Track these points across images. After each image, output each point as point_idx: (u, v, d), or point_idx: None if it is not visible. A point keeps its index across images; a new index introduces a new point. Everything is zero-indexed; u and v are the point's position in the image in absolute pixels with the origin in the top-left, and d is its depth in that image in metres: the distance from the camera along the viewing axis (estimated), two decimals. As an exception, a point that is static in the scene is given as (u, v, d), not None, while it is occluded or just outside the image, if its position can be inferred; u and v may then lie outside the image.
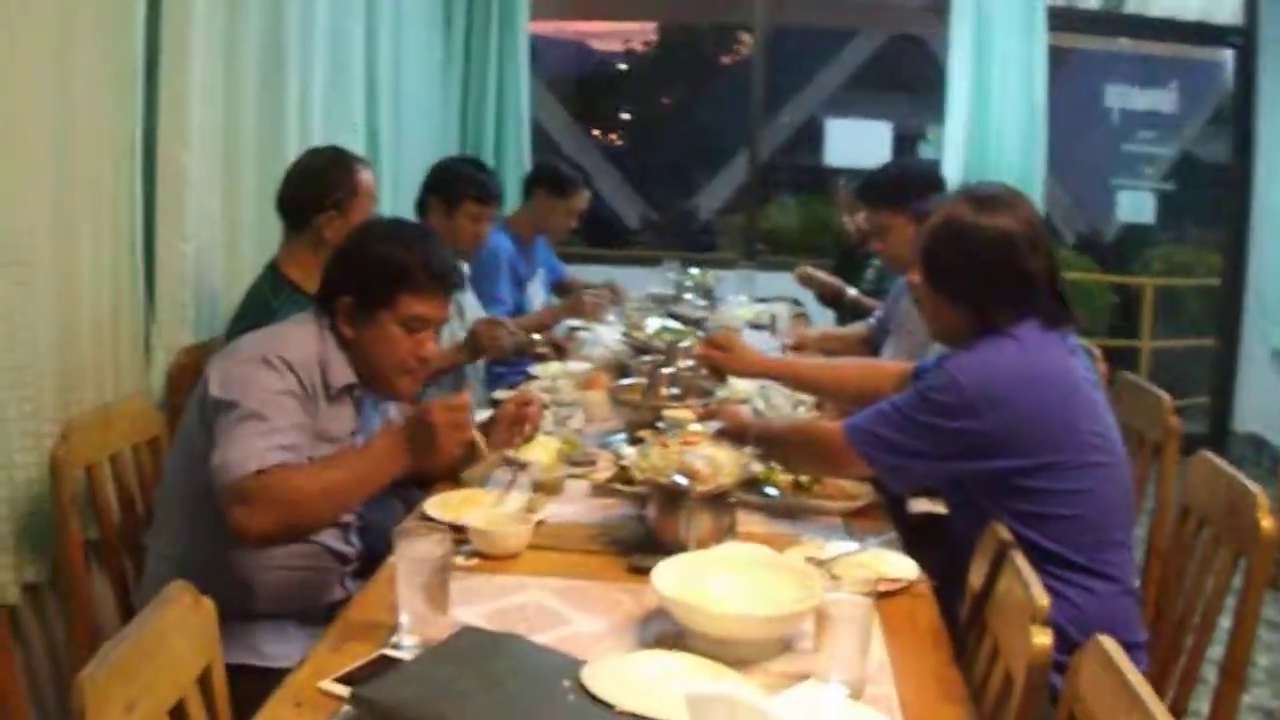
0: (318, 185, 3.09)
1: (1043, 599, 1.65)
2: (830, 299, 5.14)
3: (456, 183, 4.04)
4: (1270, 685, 3.89)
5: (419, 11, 5.64)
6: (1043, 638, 1.60)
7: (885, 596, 2.10)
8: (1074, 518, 2.21)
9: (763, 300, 5.64)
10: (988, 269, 2.28)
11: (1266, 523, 2.09)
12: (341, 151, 3.29)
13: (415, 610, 1.82)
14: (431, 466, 2.27)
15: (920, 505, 2.98)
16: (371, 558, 2.55)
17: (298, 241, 3.06)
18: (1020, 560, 1.81)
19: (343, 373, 2.34)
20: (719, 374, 3.11)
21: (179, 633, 1.51)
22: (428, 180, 4.13)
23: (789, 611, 1.85)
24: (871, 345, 4.01)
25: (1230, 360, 6.92)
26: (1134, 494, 2.40)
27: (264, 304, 2.92)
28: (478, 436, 2.30)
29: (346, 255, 2.42)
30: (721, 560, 2.05)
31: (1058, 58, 6.53)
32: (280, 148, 3.68)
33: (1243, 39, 6.75)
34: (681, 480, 2.23)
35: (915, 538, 2.48)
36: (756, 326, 5.17)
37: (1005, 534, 1.95)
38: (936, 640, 1.97)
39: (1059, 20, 6.48)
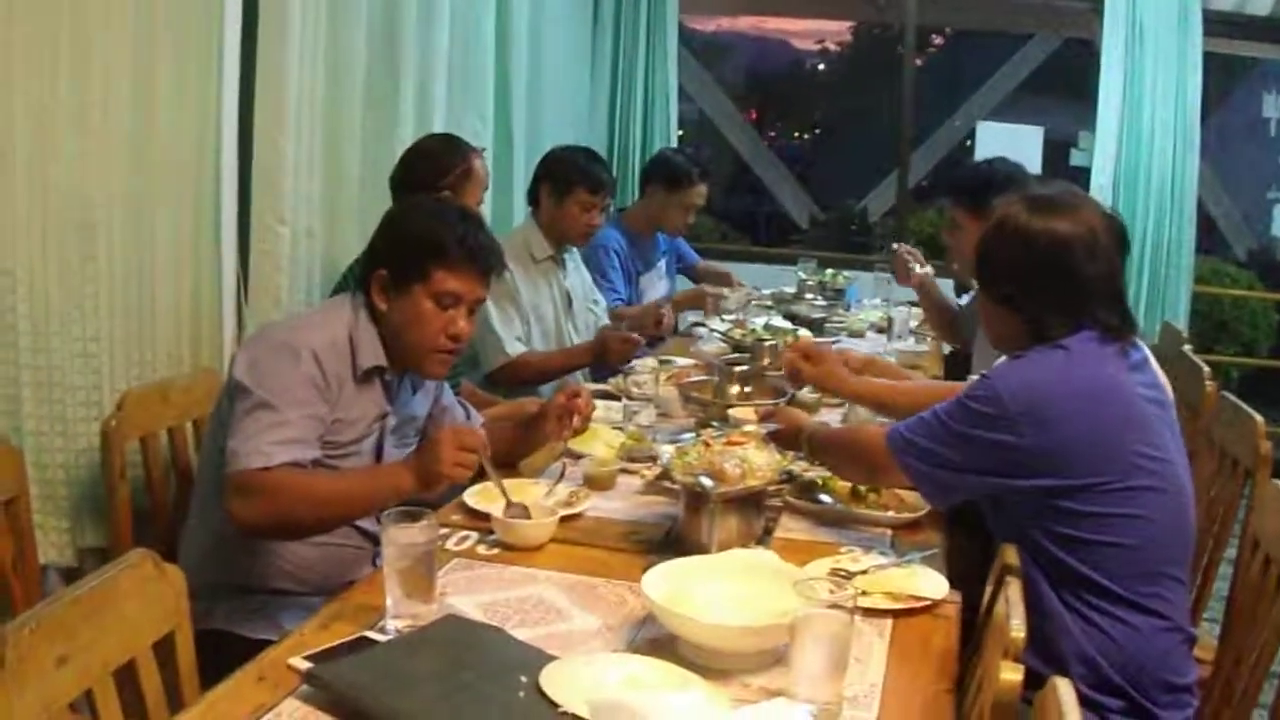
0: (431, 166, 3.17)
1: (1019, 632, 1.55)
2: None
3: (568, 171, 4.05)
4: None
5: (563, 6, 5.66)
6: (1011, 673, 1.49)
7: (903, 615, 2.03)
8: (1117, 545, 2.07)
9: (900, 304, 5.53)
10: (1039, 273, 2.17)
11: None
12: (456, 137, 3.36)
13: (398, 595, 1.83)
14: (432, 493, 2.25)
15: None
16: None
17: None
18: (1014, 587, 1.71)
19: (373, 352, 2.36)
20: (799, 382, 3.05)
21: (135, 598, 1.54)
22: (540, 169, 4.15)
23: (766, 624, 1.79)
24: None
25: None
26: (1192, 526, 2.24)
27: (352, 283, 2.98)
28: (489, 468, 2.28)
29: (387, 228, 2.44)
30: (721, 567, 1.99)
31: (1226, 67, 6.21)
32: (391, 135, 3.73)
33: None
34: (707, 481, 2.19)
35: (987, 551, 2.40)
36: (880, 330, 5.07)
37: (1012, 556, 1.86)
38: (942, 665, 1.87)
39: (1217, 26, 6.18)
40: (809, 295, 5.11)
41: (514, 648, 1.77)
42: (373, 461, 2.42)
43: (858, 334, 4.92)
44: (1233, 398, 2.94)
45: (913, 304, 5.17)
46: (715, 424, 2.66)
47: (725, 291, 4.82)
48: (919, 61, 10.99)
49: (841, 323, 4.95)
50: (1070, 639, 2.06)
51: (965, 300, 4.03)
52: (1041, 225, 2.17)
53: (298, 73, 3.15)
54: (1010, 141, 6.73)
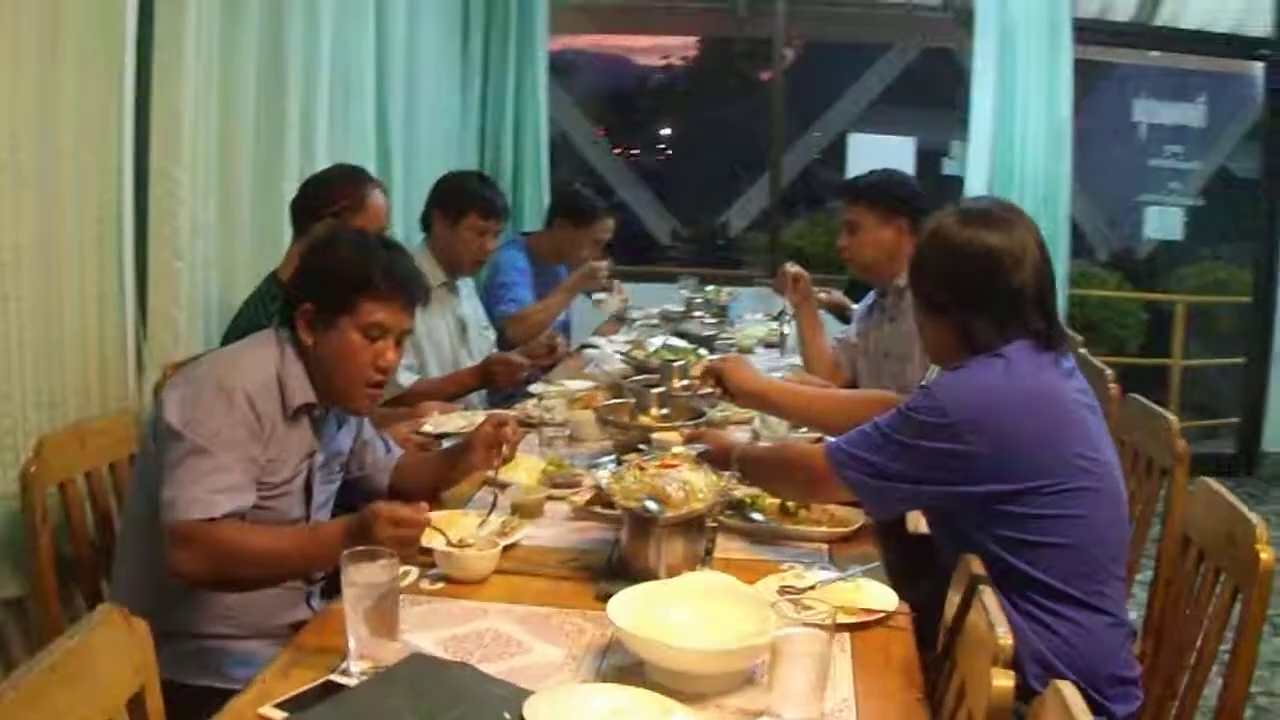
0: (324, 192, 3.15)
1: (1007, 639, 1.58)
2: (836, 313, 5.03)
3: (461, 197, 4.04)
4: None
5: (434, 29, 5.62)
6: (1003, 680, 1.52)
7: (859, 629, 2.05)
8: (1062, 546, 2.13)
9: (778, 317, 5.60)
10: (972, 285, 2.23)
11: (1265, 555, 2.01)
12: (360, 170, 3.34)
13: (362, 636, 1.78)
14: None
15: (922, 526, 2.91)
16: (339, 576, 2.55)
17: (295, 247, 3.09)
18: (989, 595, 1.74)
19: (301, 390, 2.32)
20: (728, 393, 3.07)
21: (107, 656, 1.48)
22: (433, 194, 4.12)
23: (742, 645, 1.79)
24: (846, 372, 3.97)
25: (1261, 380, 6.79)
26: (1128, 522, 2.32)
27: (260, 313, 2.93)
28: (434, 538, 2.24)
29: (310, 261, 2.40)
30: (682, 591, 1.99)
31: (1086, 72, 6.43)
32: (281, 164, 3.67)
33: (1272, 50, 6.64)
34: (652, 506, 2.18)
35: (914, 561, 2.44)
36: (769, 345, 5.13)
37: (977, 566, 1.89)
38: (908, 676, 1.90)
39: (1087, 33, 6.39)
40: (697, 313, 5.15)
41: (488, 684, 1.74)
42: (303, 499, 2.38)
43: (747, 350, 4.97)
44: (1140, 399, 3.04)
45: None
46: (644, 447, 2.65)
47: (603, 295, 4.89)
48: (766, 76, 11.19)
49: (730, 340, 5.00)
50: (1022, 640, 2.09)
51: (849, 331, 4.08)
52: (973, 237, 2.23)
53: (192, 104, 3.07)
54: (882, 152, 6.89)
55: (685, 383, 3.12)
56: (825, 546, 2.52)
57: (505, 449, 2.59)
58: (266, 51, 3.60)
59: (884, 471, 2.22)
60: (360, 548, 1.84)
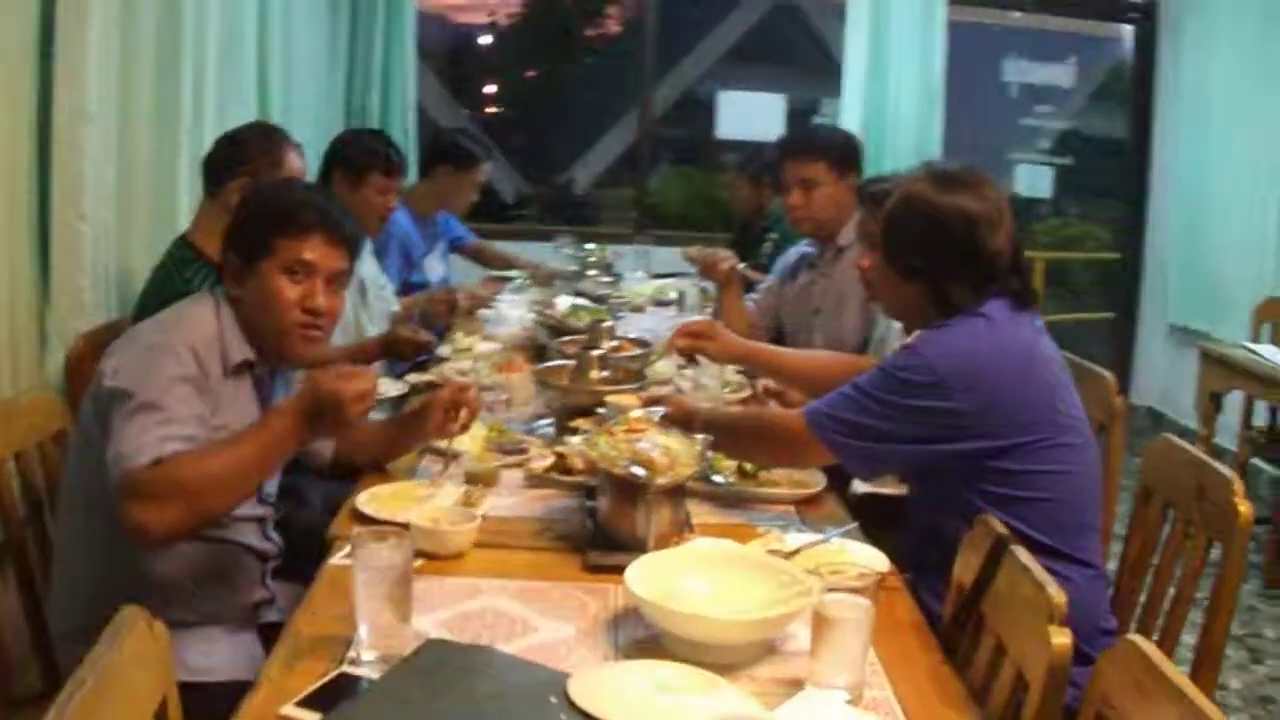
0: (237, 150, 2.99)
1: (1060, 597, 1.59)
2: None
3: (362, 155, 3.91)
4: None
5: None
6: (1062, 638, 1.53)
7: (859, 593, 2.03)
8: (1049, 501, 2.15)
9: (659, 276, 5.57)
10: (949, 247, 2.23)
11: (1244, 507, 2.06)
12: (276, 128, 3.18)
13: (377, 622, 1.68)
14: (329, 435, 2.19)
15: (863, 487, 2.92)
16: (292, 554, 2.44)
17: (208, 208, 2.93)
18: (1024, 555, 1.74)
19: (239, 347, 2.20)
20: (693, 360, 3.03)
21: (138, 666, 1.36)
22: (331, 153, 3.96)
23: (780, 613, 1.75)
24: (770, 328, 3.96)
25: (1129, 335, 7.03)
26: (1100, 476, 2.36)
27: (174, 279, 2.77)
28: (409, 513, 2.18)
29: (234, 217, 2.31)
30: (692, 558, 1.95)
31: (956, 31, 6.53)
32: (175, 122, 3.49)
33: (1142, 14, 6.83)
34: (640, 472, 2.12)
35: (861, 523, 2.43)
36: (661, 303, 5.09)
37: (999, 526, 1.88)
38: (922, 638, 1.89)
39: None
40: (592, 273, 5.07)
41: (519, 668, 1.66)
42: None
43: (638, 309, 4.93)
44: (1075, 357, 3.08)
45: (678, 275, 5.26)
46: (603, 411, 2.58)
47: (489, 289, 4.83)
48: (591, 32, 11.06)
49: (622, 298, 4.93)
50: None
51: (759, 292, 4.07)
52: (949, 200, 2.23)
53: (96, 57, 2.87)
54: (752, 109, 6.90)
55: (615, 343, 3.07)
56: (792, 509, 2.50)
57: (464, 414, 2.49)
58: (164, 9, 3.39)
59: (869, 432, 2.20)
60: (368, 528, 1.73)
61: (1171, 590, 2.28)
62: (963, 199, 2.22)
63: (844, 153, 3.65)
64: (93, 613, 2.09)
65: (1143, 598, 2.37)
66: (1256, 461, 5.13)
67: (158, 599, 2.09)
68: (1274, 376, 4.28)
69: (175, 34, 3.48)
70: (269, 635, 2.29)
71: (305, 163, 3.18)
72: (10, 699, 2.17)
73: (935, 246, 2.24)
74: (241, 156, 2.95)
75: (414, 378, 3.50)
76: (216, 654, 2.16)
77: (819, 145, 3.66)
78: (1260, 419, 4.90)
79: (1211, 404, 4.74)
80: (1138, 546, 2.42)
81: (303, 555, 2.42)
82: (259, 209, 2.26)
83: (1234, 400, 4.81)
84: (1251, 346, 4.63)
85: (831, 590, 1.67)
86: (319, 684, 1.63)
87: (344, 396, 1.96)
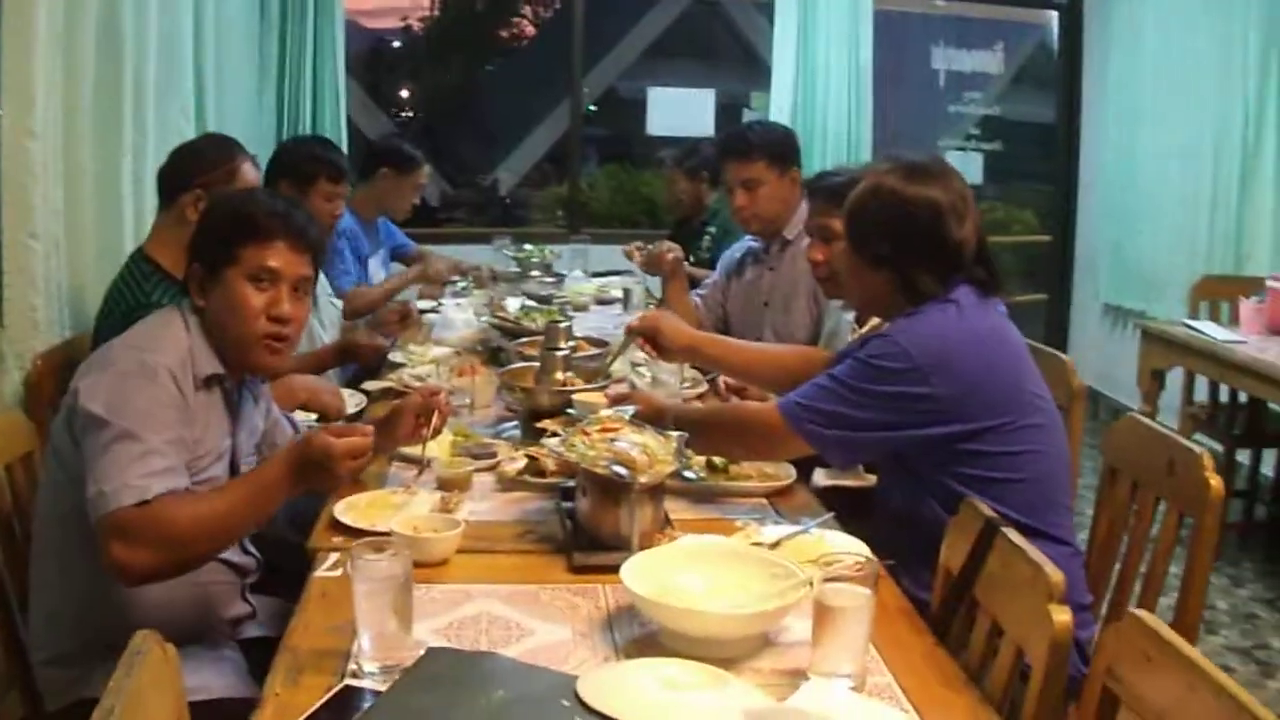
0: (192, 162, 2.94)
1: (1057, 575, 1.62)
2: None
3: (307, 163, 3.90)
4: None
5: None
6: (1063, 615, 1.57)
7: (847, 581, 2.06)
8: (1022, 481, 2.20)
9: (598, 275, 5.58)
10: (916, 237, 2.27)
11: (1215, 481, 2.11)
12: (232, 140, 3.12)
13: (381, 633, 1.68)
14: (321, 489, 2.15)
15: (824, 480, 2.94)
16: (269, 569, 2.42)
17: (164, 221, 2.89)
18: (1016, 536, 1.78)
19: (208, 360, 2.17)
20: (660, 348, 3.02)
21: (155, 691, 1.34)
22: (275, 162, 3.93)
23: (778, 605, 1.76)
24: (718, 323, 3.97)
25: (1063, 316, 7.16)
26: (1069, 455, 2.41)
27: (136, 294, 2.72)
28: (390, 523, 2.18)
29: (198, 224, 2.30)
30: (683, 555, 1.96)
31: (883, 20, 6.60)
32: (117, 138, 3.43)
33: (1069, 1, 6.95)
34: (622, 471, 2.13)
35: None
36: (602, 302, 5.11)
37: (986, 509, 1.92)
38: (912, 622, 1.92)
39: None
40: (535, 273, 5.06)
41: (527, 672, 1.67)
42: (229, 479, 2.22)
43: (582, 308, 4.93)
44: (1032, 342, 3.14)
45: (618, 273, 5.27)
46: (571, 411, 2.59)
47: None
48: (504, 34, 11.01)
49: (564, 298, 4.93)
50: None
51: (705, 288, 4.09)
52: (916, 191, 2.27)
53: (43, 71, 2.82)
54: (682, 105, 6.93)
55: (572, 344, 3.07)
56: (765, 502, 2.52)
57: (436, 418, 2.48)
58: (104, 24, 3.32)
59: (846, 421, 2.23)
60: (366, 540, 1.73)
61: (1143, 568, 2.33)
62: (931, 189, 2.26)
63: (783, 149, 3.70)
64: (77, 637, 2.10)
65: (1114, 577, 2.42)
66: (1199, 437, 5.24)
67: (133, 619, 2.07)
68: (1214, 352, 4.37)
69: (116, 51, 3.41)
70: (249, 650, 2.29)
71: (260, 174, 3.14)
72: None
73: (904, 236, 2.28)
74: (197, 168, 2.91)
75: (371, 385, 3.48)
76: (204, 672, 2.13)
77: (758, 144, 3.69)
78: (1201, 394, 4.99)
79: (1154, 381, 4.83)
80: (1105, 525, 2.47)
81: (274, 568, 2.42)
82: (223, 217, 2.23)
83: (1174, 377, 4.90)
84: (1191, 324, 4.72)
85: (831, 580, 1.68)
86: (326, 698, 1.62)
87: (334, 452, 1.94)
